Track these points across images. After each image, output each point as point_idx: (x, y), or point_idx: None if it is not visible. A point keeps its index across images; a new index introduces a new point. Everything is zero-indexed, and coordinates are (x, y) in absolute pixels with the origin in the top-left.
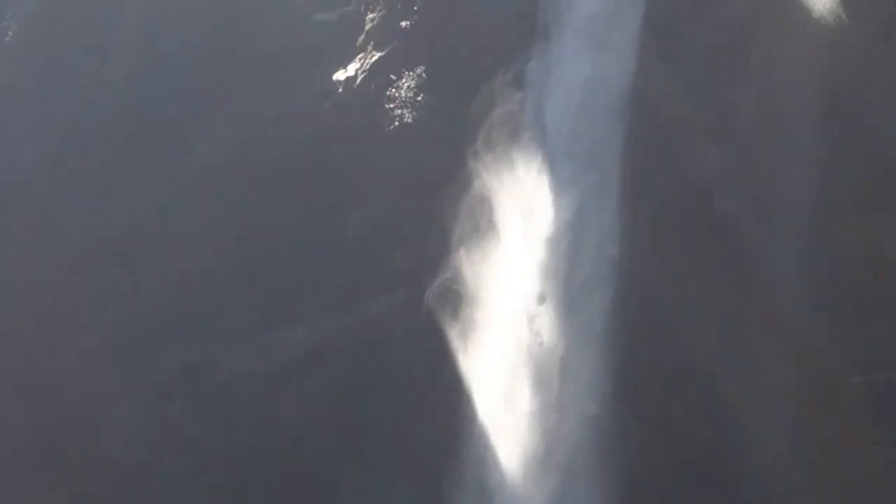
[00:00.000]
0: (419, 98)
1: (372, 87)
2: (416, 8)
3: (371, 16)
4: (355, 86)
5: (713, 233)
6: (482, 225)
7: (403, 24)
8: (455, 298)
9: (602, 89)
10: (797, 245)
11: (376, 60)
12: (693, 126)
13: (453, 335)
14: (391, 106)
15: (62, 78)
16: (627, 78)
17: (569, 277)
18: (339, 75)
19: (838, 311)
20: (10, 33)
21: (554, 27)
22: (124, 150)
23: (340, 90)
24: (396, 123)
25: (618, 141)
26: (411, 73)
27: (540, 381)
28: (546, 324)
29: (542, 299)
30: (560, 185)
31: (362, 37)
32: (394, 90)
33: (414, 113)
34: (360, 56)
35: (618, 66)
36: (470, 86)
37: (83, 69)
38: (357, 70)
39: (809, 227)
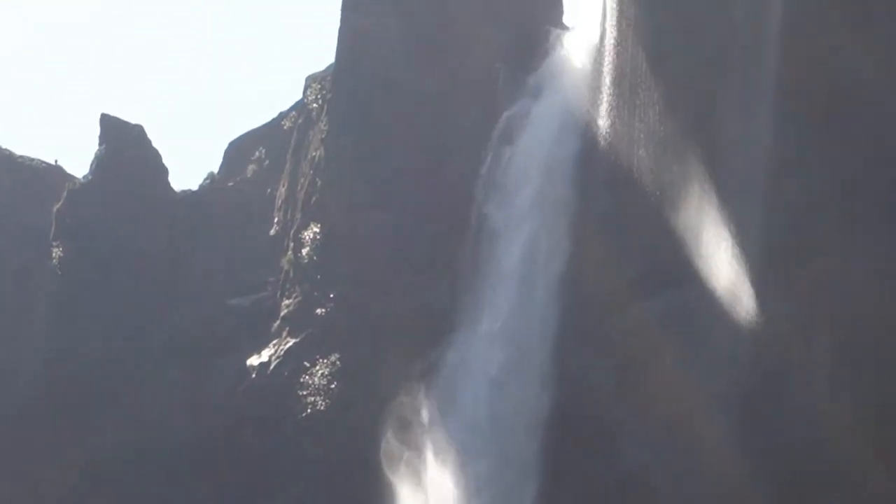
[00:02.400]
0: (333, 386)
1: (286, 374)
2: (331, 296)
3: (286, 302)
4: (269, 372)
5: None
6: None
7: (319, 311)
8: None
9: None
10: None
11: (291, 347)
12: (614, 417)
13: None
14: (304, 393)
15: None
16: (543, 367)
17: None
18: (253, 360)
19: None
20: None
21: (467, 323)
22: (35, 433)
23: (254, 376)
24: (309, 410)
25: (536, 437)
26: (325, 361)
27: None
28: None
29: None
30: (470, 485)
31: (277, 322)
32: (307, 377)
33: (327, 401)
34: (274, 342)
35: (532, 358)
36: (383, 376)
37: None
38: (271, 356)
39: None
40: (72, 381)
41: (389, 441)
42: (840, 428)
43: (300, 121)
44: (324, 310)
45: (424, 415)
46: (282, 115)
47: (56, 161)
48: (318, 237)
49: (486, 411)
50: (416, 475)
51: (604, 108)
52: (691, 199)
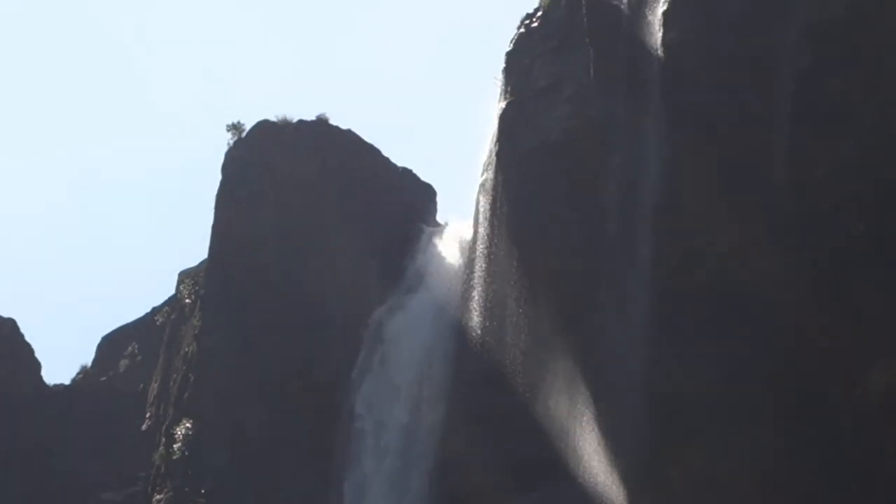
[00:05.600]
0: None
1: None
2: (202, 491)
3: (158, 497)
4: None
5: None
6: None
7: None
8: None
9: None
10: None
11: None
12: None
13: None
14: None
15: None
16: None
17: None
18: None
19: None
20: None
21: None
22: None
23: None
24: None
25: None
26: None
27: None
28: None
29: None
30: None
31: None
32: None
33: None
34: None
35: None
36: None
37: None
38: None
39: None
40: None
41: None
42: None
43: (173, 316)
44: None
45: None
46: (154, 310)
47: None
48: (190, 432)
49: None
50: None
51: (475, 304)
52: (562, 395)
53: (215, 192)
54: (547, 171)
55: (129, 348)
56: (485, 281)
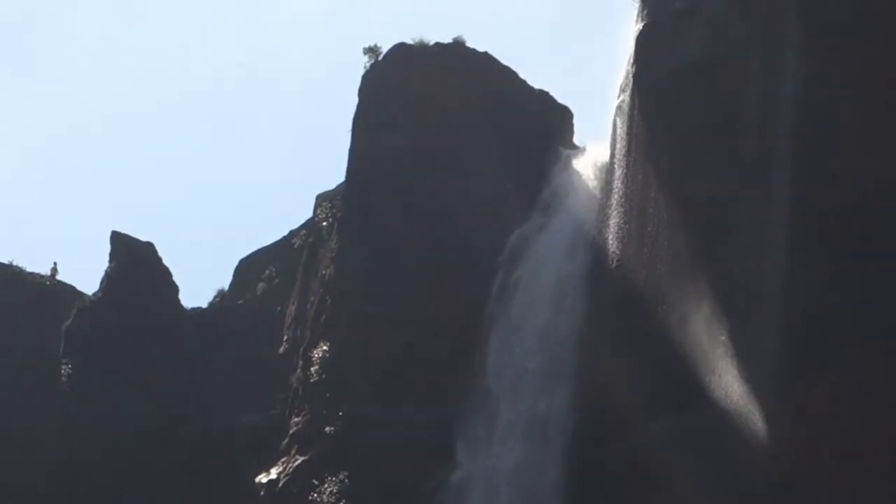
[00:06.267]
0: None
1: (294, 492)
2: (340, 414)
3: (295, 420)
4: (277, 489)
5: None
6: None
7: (328, 429)
8: None
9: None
10: None
11: (299, 465)
12: None
13: None
14: None
15: None
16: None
17: None
18: (262, 478)
19: None
20: None
21: (479, 440)
22: None
23: (262, 493)
24: None
25: None
26: (334, 479)
27: None
28: None
29: None
30: None
31: (286, 440)
32: (316, 495)
33: None
34: (283, 460)
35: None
36: (392, 494)
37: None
38: (280, 474)
39: None
40: (80, 499)
41: None
42: None
43: (310, 239)
44: (333, 428)
45: None
46: (292, 234)
47: (55, 265)
48: (327, 355)
49: None
50: None
51: (613, 227)
52: (700, 318)
53: (352, 115)
54: (684, 94)
55: (267, 271)
56: (622, 204)
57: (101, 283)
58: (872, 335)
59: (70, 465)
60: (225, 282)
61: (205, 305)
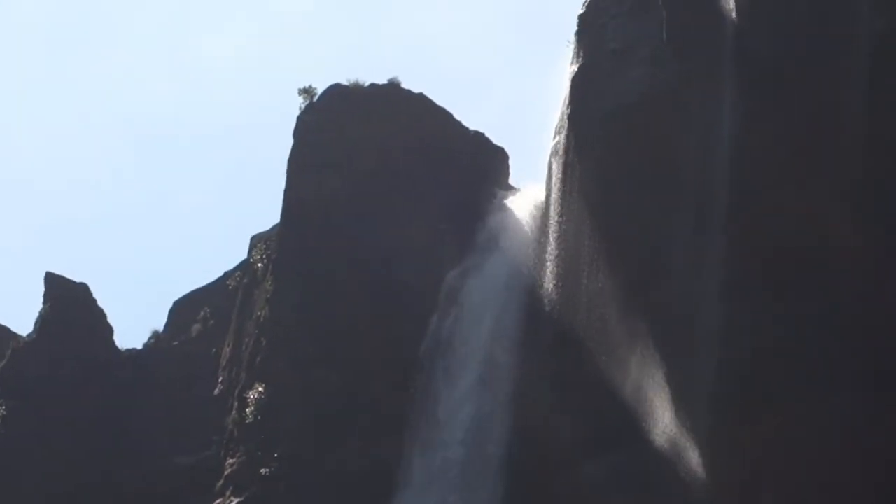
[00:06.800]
0: None
1: None
2: (276, 455)
3: (230, 461)
4: None
5: None
6: None
7: (263, 470)
8: None
9: None
10: None
11: None
12: None
13: None
14: None
15: None
16: None
17: None
18: None
19: None
20: None
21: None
22: None
23: None
24: None
25: None
26: None
27: None
28: None
29: None
30: None
31: (221, 482)
32: None
33: None
34: (218, 501)
35: None
36: None
37: None
38: None
39: None
40: None
41: None
42: None
43: (245, 280)
44: (268, 469)
45: None
46: (227, 275)
47: None
48: (262, 397)
49: None
50: None
51: (549, 268)
52: (636, 359)
53: (287, 156)
54: (620, 136)
55: (202, 313)
56: (558, 244)
57: (36, 324)
58: (807, 376)
59: None
60: (160, 323)
61: (140, 346)
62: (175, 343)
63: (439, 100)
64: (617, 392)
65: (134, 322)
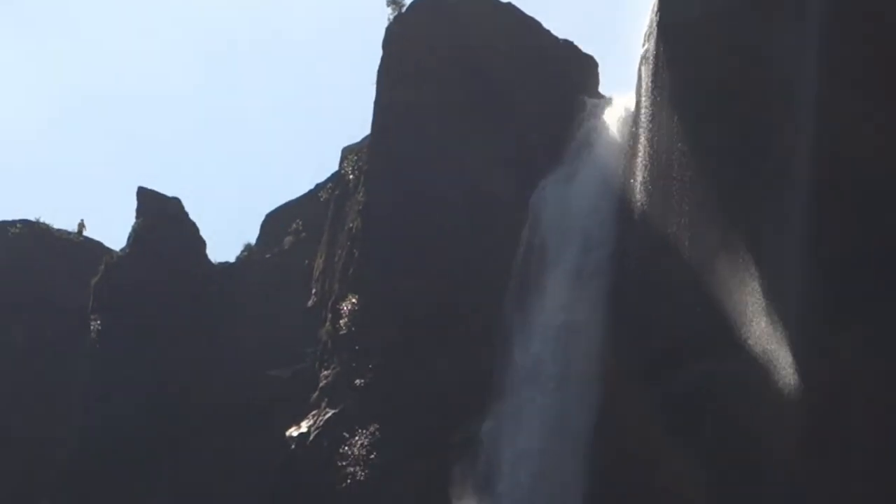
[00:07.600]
0: (372, 456)
1: (325, 445)
2: (370, 366)
3: (325, 373)
4: (308, 443)
5: None
6: None
7: (357, 381)
8: None
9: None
10: None
11: (330, 417)
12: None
13: None
14: (344, 463)
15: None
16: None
17: None
18: (292, 432)
19: None
20: None
21: (509, 392)
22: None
23: (293, 446)
24: (348, 481)
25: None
26: (364, 431)
27: None
28: None
29: None
30: None
31: (316, 394)
32: (346, 448)
33: (366, 471)
34: (313, 413)
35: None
36: (422, 446)
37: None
38: (310, 427)
39: None
40: (110, 454)
41: None
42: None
43: (337, 192)
44: (362, 380)
45: (465, 485)
46: (318, 187)
47: (82, 221)
48: (355, 308)
49: (528, 482)
50: None
51: (639, 177)
52: (728, 267)
53: (377, 67)
54: (708, 42)
55: (294, 225)
56: (648, 154)
57: (129, 238)
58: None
59: (100, 419)
60: (252, 236)
61: (232, 260)
62: (268, 256)
63: (528, 8)
64: (709, 299)
65: (226, 235)
